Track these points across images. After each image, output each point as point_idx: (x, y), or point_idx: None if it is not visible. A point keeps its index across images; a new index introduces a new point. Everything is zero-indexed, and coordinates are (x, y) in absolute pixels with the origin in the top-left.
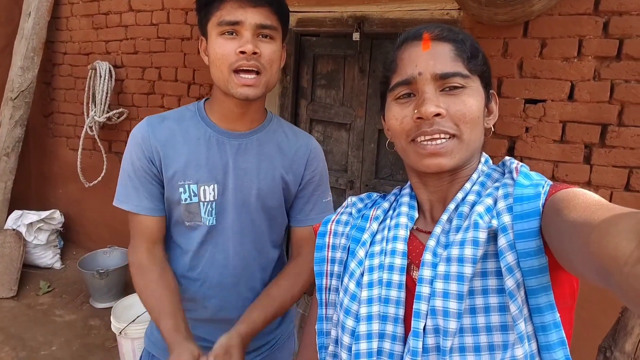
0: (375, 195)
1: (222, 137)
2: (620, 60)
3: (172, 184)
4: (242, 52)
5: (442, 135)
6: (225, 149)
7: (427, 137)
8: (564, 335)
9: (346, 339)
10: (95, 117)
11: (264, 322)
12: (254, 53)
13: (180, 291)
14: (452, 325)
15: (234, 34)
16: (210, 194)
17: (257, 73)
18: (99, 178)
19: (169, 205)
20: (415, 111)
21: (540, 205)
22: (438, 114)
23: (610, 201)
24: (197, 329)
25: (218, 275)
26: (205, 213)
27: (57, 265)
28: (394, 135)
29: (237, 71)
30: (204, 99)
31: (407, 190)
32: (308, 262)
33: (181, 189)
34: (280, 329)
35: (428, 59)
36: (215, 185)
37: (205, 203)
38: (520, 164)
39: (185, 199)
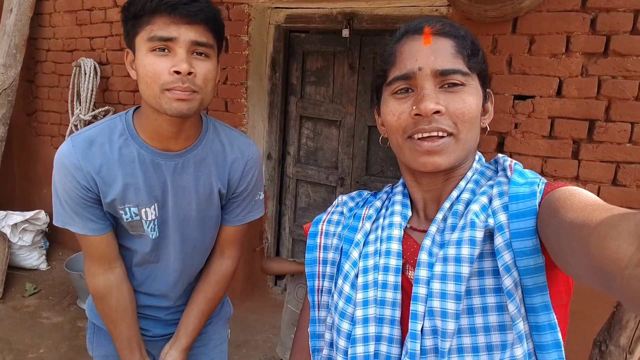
0: (366, 193)
1: (157, 158)
2: (607, 57)
3: (112, 206)
4: (177, 72)
5: (440, 133)
6: (162, 169)
7: (425, 135)
8: (560, 337)
9: (342, 343)
10: (80, 115)
11: (200, 325)
12: (189, 73)
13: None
14: (451, 326)
15: (166, 50)
16: (151, 213)
17: (192, 92)
18: None
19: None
20: (414, 107)
21: (537, 204)
22: (437, 112)
23: (597, 195)
24: (147, 310)
25: (160, 278)
26: (147, 228)
27: (43, 266)
28: (389, 131)
29: (169, 90)
30: (132, 110)
31: (399, 189)
32: (229, 267)
33: (122, 212)
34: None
35: (429, 54)
36: (156, 205)
37: (148, 222)
38: (514, 161)
39: (127, 218)
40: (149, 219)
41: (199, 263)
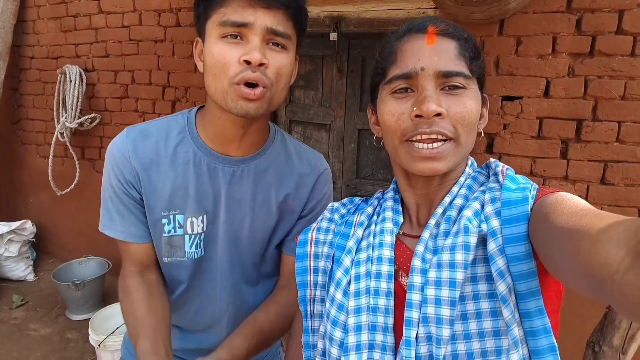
0: (357, 199)
1: (214, 162)
2: (593, 57)
3: (154, 213)
4: (247, 62)
5: (440, 137)
6: (218, 175)
7: (424, 138)
8: (554, 341)
9: (334, 351)
10: (66, 123)
11: (247, 351)
12: (261, 64)
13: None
14: (445, 332)
15: (239, 37)
16: (198, 226)
17: (262, 87)
18: (72, 186)
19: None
20: (415, 108)
21: (529, 210)
22: (439, 114)
23: (586, 195)
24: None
25: (206, 307)
26: (190, 247)
27: (30, 277)
28: (385, 132)
29: (237, 83)
30: (196, 108)
31: (390, 194)
32: (294, 301)
33: (165, 220)
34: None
35: (432, 54)
36: (205, 216)
37: (192, 236)
38: (506, 166)
39: (169, 231)
40: (195, 232)
41: (252, 301)
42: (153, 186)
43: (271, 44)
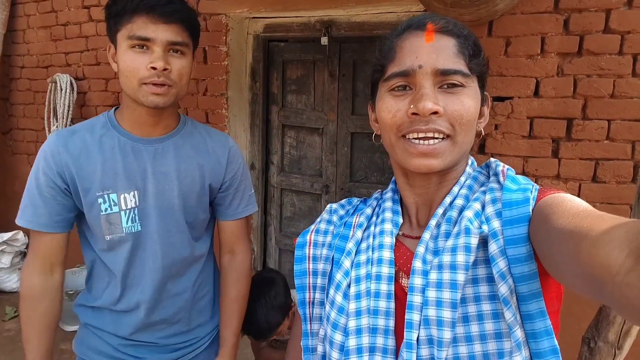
0: (355, 200)
1: (137, 144)
2: (581, 56)
3: (90, 195)
4: (153, 68)
5: (436, 135)
6: (142, 155)
7: (421, 135)
8: (556, 343)
9: (335, 355)
10: None
11: (236, 335)
12: (165, 69)
13: (113, 305)
14: (447, 335)
15: (145, 47)
16: (131, 200)
17: (167, 86)
18: None
19: (87, 220)
20: (412, 106)
21: (530, 211)
22: (435, 112)
23: (579, 193)
24: (138, 336)
25: (150, 280)
26: (127, 221)
27: None
28: (383, 128)
29: (146, 84)
30: (113, 108)
31: (389, 194)
32: (245, 261)
33: (100, 200)
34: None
35: (430, 51)
36: (136, 192)
37: (127, 211)
38: (507, 166)
39: (106, 209)
40: (128, 206)
41: (189, 261)
42: (85, 171)
43: (172, 51)
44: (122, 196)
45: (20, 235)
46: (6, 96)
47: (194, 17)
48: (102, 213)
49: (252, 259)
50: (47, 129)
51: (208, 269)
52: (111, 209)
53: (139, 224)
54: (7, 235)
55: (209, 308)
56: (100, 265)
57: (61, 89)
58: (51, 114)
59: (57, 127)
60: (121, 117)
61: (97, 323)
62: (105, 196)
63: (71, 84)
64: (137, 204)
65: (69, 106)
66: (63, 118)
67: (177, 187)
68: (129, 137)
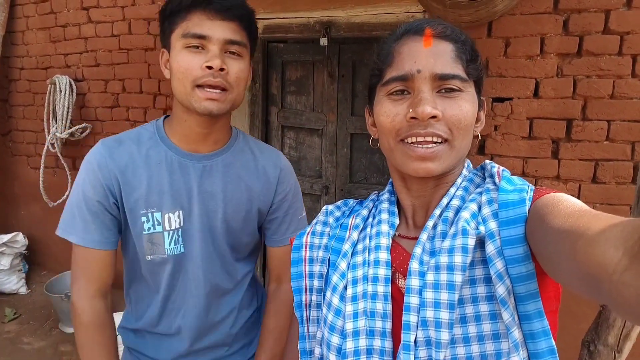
0: (352, 202)
1: (184, 159)
2: (581, 57)
3: (133, 213)
4: (209, 67)
5: (435, 139)
6: (189, 172)
7: (419, 139)
8: (554, 343)
9: (332, 358)
10: (56, 133)
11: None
12: (221, 69)
13: (153, 327)
14: (445, 336)
15: (200, 47)
16: (175, 221)
17: (223, 90)
18: (64, 197)
19: (131, 237)
20: (410, 110)
21: (526, 211)
22: (434, 116)
23: (578, 194)
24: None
25: (192, 305)
26: (169, 242)
27: (23, 290)
28: (381, 133)
29: (201, 86)
30: (163, 117)
31: (386, 196)
32: (289, 292)
33: (144, 218)
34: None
35: (429, 56)
36: (180, 212)
37: (170, 232)
38: (502, 168)
39: (149, 228)
40: (172, 227)
41: (230, 286)
42: (130, 187)
43: (229, 52)
44: (166, 216)
45: (20, 236)
46: (5, 98)
47: (252, 17)
48: (144, 232)
49: None
50: (46, 130)
51: (252, 289)
52: (154, 229)
53: (182, 246)
54: (6, 237)
55: (253, 330)
56: (141, 285)
57: (60, 91)
58: (50, 115)
59: (56, 128)
60: (170, 128)
61: (139, 346)
62: (149, 215)
63: (70, 85)
64: (182, 225)
65: (68, 107)
66: (62, 119)
67: (221, 210)
68: (176, 151)
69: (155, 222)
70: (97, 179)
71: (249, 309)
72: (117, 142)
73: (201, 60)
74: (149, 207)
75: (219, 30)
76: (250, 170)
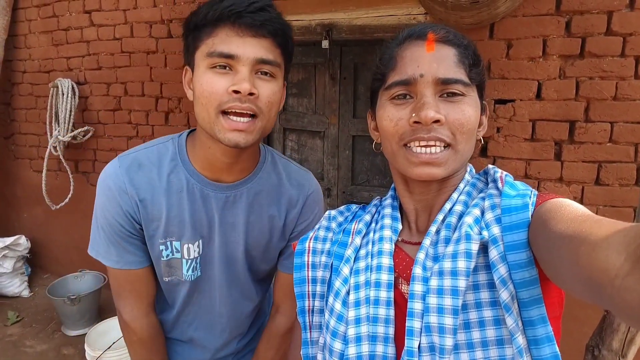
0: (354, 207)
1: (207, 189)
2: (583, 58)
3: (152, 240)
4: (236, 92)
5: (438, 143)
6: (211, 202)
7: (422, 143)
8: (558, 350)
9: None
10: (59, 136)
11: None
12: (251, 94)
13: (167, 333)
14: (449, 342)
15: (227, 68)
16: (194, 251)
17: (252, 116)
18: (66, 199)
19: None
20: (414, 115)
21: (529, 216)
22: (437, 121)
23: (582, 196)
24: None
25: (205, 322)
26: (187, 270)
27: (25, 293)
28: (384, 137)
29: (226, 112)
30: (186, 133)
31: (388, 201)
32: (283, 324)
33: (162, 247)
34: None
35: (431, 61)
36: (200, 241)
37: (189, 260)
38: (505, 173)
39: (167, 255)
40: (191, 257)
41: (248, 310)
42: (150, 216)
43: (260, 72)
44: (185, 245)
45: (23, 239)
46: (8, 101)
47: (289, 32)
48: (163, 259)
49: (292, 325)
50: (48, 133)
51: (268, 303)
52: (173, 255)
53: (199, 271)
54: (9, 240)
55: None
56: (158, 293)
57: (63, 94)
58: (53, 118)
59: (58, 131)
60: (193, 150)
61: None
62: (168, 243)
63: (73, 88)
64: (200, 253)
65: (70, 110)
66: (65, 122)
67: (242, 240)
68: (198, 179)
69: (174, 250)
70: (119, 205)
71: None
72: (136, 164)
73: (228, 82)
74: (167, 236)
75: (249, 48)
76: (275, 199)
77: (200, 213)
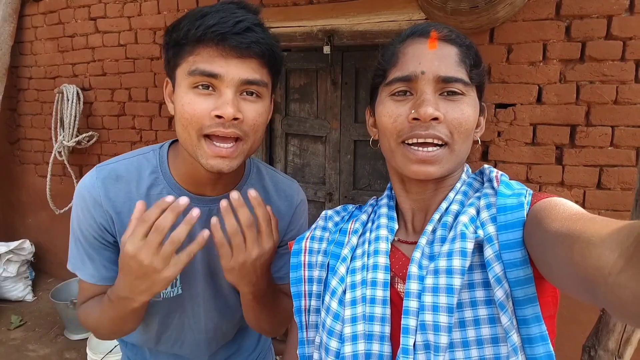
0: (351, 207)
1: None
2: (584, 62)
3: None
4: (219, 117)
5: (435, 141)
6: None
7: (420, 140)
8: (552, 349)
9: None
10: (63, 141)
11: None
12: (235, 119)
13: (152, 346)
14: (443, 340)
15: (210, 88)
16: None
17: (237, 139)
18: (70, 204)
19: None
20: (413, 111)
21: (524, 215)
22: (436, 118)
23: (583, 200)
24: None
25: (191, 338)
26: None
27: (29, 297)
28: (382, 133)
29: (208, 136)
30: (168, 143)
31: (384, 201)
32: (289, 303)
33: None
34: (258, 348)
35: (433, 58)
36: None
37: None
38: (500, 172)
39: None
40: None
41: (234, 321)
42: (125, 230)
43: (245, 93)
44: None
45: (27, 244)
46: (14, 107)
47: (276, 50)
48: None
49: (291, 315)
50: (53, 138)
51: (255, 335)
52: None
53: (179, 288)
54: (13, 244)
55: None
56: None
57: (68, 100)
58: (58, 124)
59: (63, 136)
60: (175, 163)
61: (138, 358)
62: None
63: (78, 94)
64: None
65: (75, 116)
66: (69, 128)
67: None
68: (179, 192)
69: None
70: (92, 217)
71: (252, 353)
72: (113, 177)
73: (211, 105)
74: None
75: (233, 69)
76: None
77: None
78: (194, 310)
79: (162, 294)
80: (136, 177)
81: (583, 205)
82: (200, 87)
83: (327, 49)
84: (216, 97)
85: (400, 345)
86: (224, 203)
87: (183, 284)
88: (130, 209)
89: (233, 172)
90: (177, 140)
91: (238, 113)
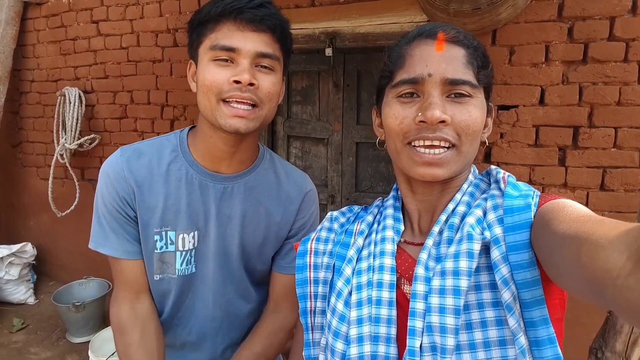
0: (356, 208)
1: (205, 179)
2: (586, 64)
3: (147, 230)
4: (237, 82)
5: (442, 144)
6: (209, 193)
7: (427, 143)
8: (560, 351)
9: None
10: (65, 144)
11: None
12: (251, 84)
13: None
14: (450, 342)
15: (229, 60)
16: (189, 242)
17: (253, 106)
18: (72, 207)
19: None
20: (420, 114)
21: (532, 217)
22: (443, 121)
23: (587, 201)
24: None
25: (198, 325)
26: (181, 263)
27: (31, 300)
28: (388, 135)
29: (227, 101)
30: (188, 128)
31: (390, 202)
32: (285, 319)
33: (157, 237)
34: None
35: (440, 61)
36: (196, 233)
37: (184, 252)
38: (507, 173)
39: (161, 247)
40: (186, 248)
41: (245, 312)
42: (146, 204)
43: (260, 66)
44: (180, 236)
45: (29, 247)
46: (16, 110)
47: (287, 28)
48: (156, 251)
49: (294, 324)
50: (55, 141)
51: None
52: (166, 247)
53: (193, 266)
54: (15, 247)
55: None
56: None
57: (70, 102)
58: (60, 126)
59: (65, 139)
60: (193, 142)
61: None
62: (163, 233)
63: (80, 97)
64: (195, 246)
65: (77, 119)
66: (71, 131)
67: (238, 233)
68: (197, 169)
69: (169, 241)
70: (116, 191)
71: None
72: (136, 153)
73: (229, 74)
74: (163, 225)
75: (250, 42)
76: (273, 195)
77: (198, 203)
78: (203, 294)
79: (177, 271)
80: (157, 154)
81: (587, 207)
82: (220, 59)
83: (329, 51)
84: (234, 67)
85: (407, 347)
86: None
87: (197, 262)
88: (152, 182)
89: (248, 149)
90: (195, 127)
91: (253, 79)
